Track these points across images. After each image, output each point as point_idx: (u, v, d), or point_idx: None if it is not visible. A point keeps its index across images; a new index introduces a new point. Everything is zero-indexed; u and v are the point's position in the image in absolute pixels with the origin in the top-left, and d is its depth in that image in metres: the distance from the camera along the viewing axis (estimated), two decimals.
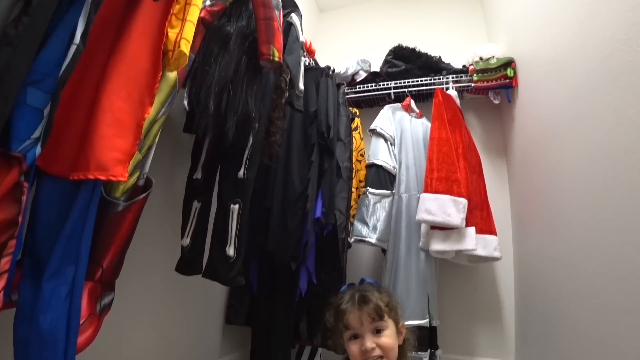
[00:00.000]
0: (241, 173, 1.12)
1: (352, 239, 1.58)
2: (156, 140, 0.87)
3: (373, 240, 1.56)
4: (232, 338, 1.69)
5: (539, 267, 1.45)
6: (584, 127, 1.06)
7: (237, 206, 1.10)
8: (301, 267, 1.42)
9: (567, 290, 1.16)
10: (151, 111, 0.77)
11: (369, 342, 0.79)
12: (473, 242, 1.51)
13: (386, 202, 1.65)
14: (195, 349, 1.46)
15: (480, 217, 1.67)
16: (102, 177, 0.62)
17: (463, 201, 1.50)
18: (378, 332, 0.81)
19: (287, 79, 1.31)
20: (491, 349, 1.85)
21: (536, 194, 1.48)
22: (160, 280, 1.26)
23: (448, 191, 1.51)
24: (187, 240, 1.15)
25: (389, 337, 0.81)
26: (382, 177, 1.69)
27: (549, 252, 1.33)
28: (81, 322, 0.66)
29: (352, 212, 1.68)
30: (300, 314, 1.51)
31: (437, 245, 1.50)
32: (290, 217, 1.39)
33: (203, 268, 1.13)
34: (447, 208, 1.47)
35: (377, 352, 0.79)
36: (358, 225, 1.60)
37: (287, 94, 1.28)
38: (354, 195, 1.70)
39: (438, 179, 1.55)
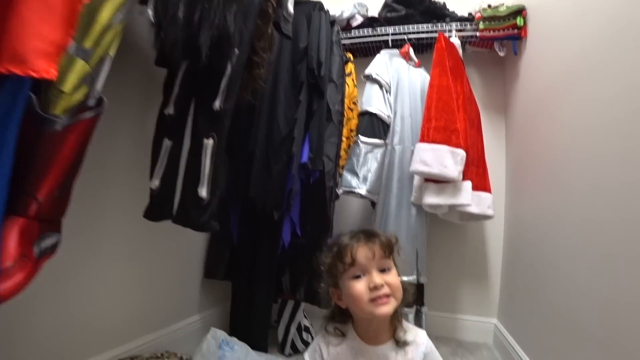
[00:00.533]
0: (217, 104, 0.98)
1: (341, 191, 1.47)
2: (111, 54, 0.71)
3: (363, 191, 1.45)
4: (212, 293, 1.60)
5: (532, 227, 1.41)
6: (595, 84, 0.98)
7: (211, 141, 0.96)
8: (285, 217, 1.31)
9: (559, 252, 1.13)
10: (105, 13, 0.62)
11: (378, 278, 0.71)
12: (469, 197, 1.42)
13: (378, 152, 1.53)
14: (172, 305, 1.37)
15: (476, 173, 1.57)
16: (18, 72, 0.47)
17: (461, 153, 1.39)
18: (383, 271, 0.73)
19: (274, 2, 1.14)
20: (476, 307, 1.84)
21: (536, 153, 1.40)
22: (131, 229, 1.14)
23: (446, 141, 1.40)
24: (156, 182, 1.02)
25: (395, 276, 0.73)
26: (375, 126, 1.56)
27: (545, 213, 1.27)
28: (5, 264, 0.53)
29: (341, 163, 1.56)
30: (283, 267, 1.43)
31: (430, 199, 1.41)
32: (274, 162, 1.26)
33: (174, 213, 1.01)
34: (444, 159, 1.37)
35: (386, 289, 0.70)
36: (347, 175, 1.49)
37: (273, 17, 1.12)
38: (344, 145, 1.57)
39: (436, 129, 1.43)
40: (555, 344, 1.13)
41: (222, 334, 1.21)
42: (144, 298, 1.23)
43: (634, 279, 0.75)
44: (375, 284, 0.69)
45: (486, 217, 1.61)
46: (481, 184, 1.59)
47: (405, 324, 0.79)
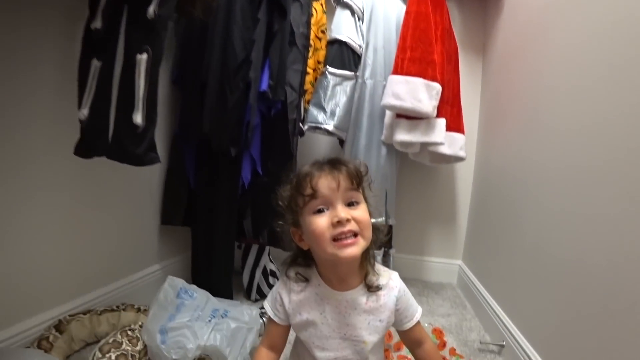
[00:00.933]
0: (151, 10, 0.81)
1: (306, 126, 1.35)
2: None
3: (330, 127, 1.33)
4: (172, 241, 1.49)
5: (503, 170, 1.39)
6: (581, 19, 0.89)
7: (145, 56, 0.80)
8: (244, 154, 1.19)
9: (528, 195, 1.13)
10: None
11: (343, 212, 0.60)
12: (442, 134, 1.34)
13: (348, 85, 1.40)
14: (128, 255, 1.26)
15: (450, 113, 1.49)
16: None
17: (437, 87, 1.29)
18: (351, 205, 0.62)
19: None
20: (442, 250, 1.85)
21: (515, 94, 1.33)
22: (69, 171, 0.99)
23: (421, 74, 1.28)
24: (84, 112, 0.86)
25: (364, 212, 0.62)
26: (345, 56, 1.41)
27: (519, 156, 1.24)
28: None
29: (307, 98, 1.42)
30: (244, 209, 1.32)
31: (401, 136, 1.32)
32: (229, 91, 1.11)
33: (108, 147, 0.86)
34: (418, 93, 1.26)
35: (353, 225, 0.60)
36: (313, 110, 1.36)
37: None
38: (310, 78, 1.42)
39: (411, 60, 1.30)
40: (517, 284, 1.16)
41: (180, 282, 1.12)
42: (94, 249, 1.11)
43: (601, 223, 0.75)
44: (340, 219, 0.59)
45: (458, 159, 1.56)
46: (455, 124, 1.51)
47: (377, 266, 0.71)
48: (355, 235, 0.60)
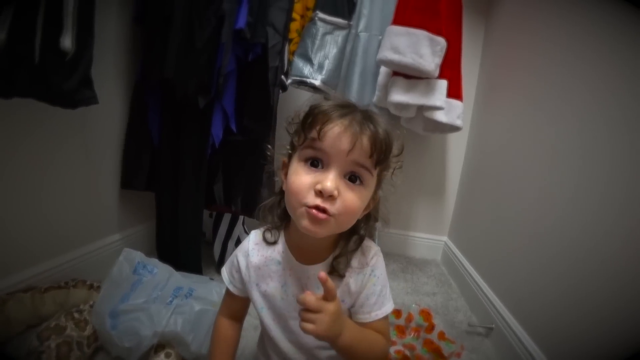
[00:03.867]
0: None
1: (289, 80, 1.16)
2: None
3: (317, 82, 1.14)
4: (134, 208, 1.30)
5: (498, 144, 1.32)
6: None
7: None
8: (215, 107, 1.00)
9: (522, 170, 1.07)
10: None
11: (331, 182, 0.46)
12: (443, 98, 1.19)
13: (340, 35, 1.21)
14: (80, 224, 1.08)
15: (450, 76, 1.33)
16: None
17: (442, 42, 1.12)
18: (351, 180, 0.48)
19: None
20: (428, 226, 1.76)
21: (519, 68, 1.22)
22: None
23: (424, 25, 1.11)
24: (2, 35, 0.65)
25: (359, 199, 0.49)
26: (338, 1, 1.21)
27: (517, 129, 1.16)
28: None
29: (292, 49, 1.22)
30: (214, 172, 1.15)
31: (397, 96, 1.16)
32: (198, 27, 0.90)
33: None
34: (421, 47, 1.10)
35: (330, 205, 0.46)
36: (299, 62, 1.17)
37: None
38: (296, 25, 1.22)
39: (415, 8, 1.13)
40: (507, 262, 1.11)
41: (138, 256, 0.95)
42: (38, 215, 0.93)
43: (597, 197, 0.74)
44: (324, 188, 0.45)
45: (453, 129, 1.42)
46: (454, 90, 1.36)
47: (366, 243, 0.58)
48: (327, 215, 0.46)
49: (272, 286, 0.57)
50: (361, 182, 0.48)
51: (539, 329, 0.88)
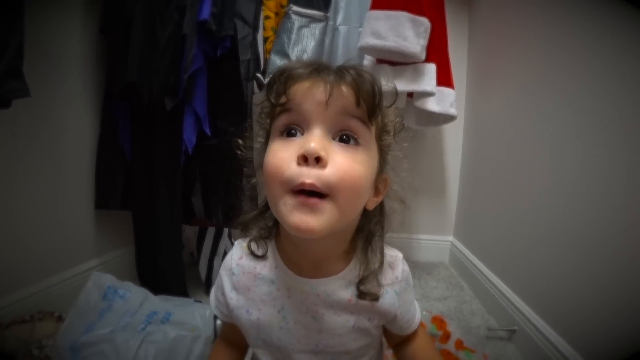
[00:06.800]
0: None
1: (267, 79, 1.08)
2: None
3: None
4: (113, 230, 1.20)
5: (496, 133, 1.25)
6: None
7: None
8: (185, 110, 0.91)
9: (526, 158, 1.00)
10: None
11: (317, 143, 0.34)
12: (433, 82, 1.11)
13: (316, 28, 1.14)
14: (53, 252, 0.99)
15: (438, 62, 1.25)
16: None
17: (425, 22, 1.05)
18: (343, 141, 0.36)
19: None
20: (431, 226, 1.66)
21: (508, 51, 1.17)
22: None
23: (405, 6, 1.04)
24: None
25: (359, 163, 0.36)
26: None
27: (514, 116, 1.10)
28: None
29: (268, 47, 1.15)
30: (191, 182, 1.05)
31: (384, 85, 1.08)
32: (160, 24, 0.83)
33: None
34: (403, 29, 1.02)
35: (321, 177, 0.33)
36: (276, 59, 1.09)
37: None
38: (271, 23, 1.15)
39: None
40: (523, 257, 1.01)
41: (108, 279, 0.85)
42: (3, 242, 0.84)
43: (606, 180, 0.69)
44: (306, 149, 0.33)
45: (447, 119, 1.34)
46: (443, 77, 1.28)
47: (385, 249, 0.46)
48: (320, 197, 0.33)
49: (266, 312, 0.44)
50: (356, 142, 0.36)
51: (567, 324, 0.77)
